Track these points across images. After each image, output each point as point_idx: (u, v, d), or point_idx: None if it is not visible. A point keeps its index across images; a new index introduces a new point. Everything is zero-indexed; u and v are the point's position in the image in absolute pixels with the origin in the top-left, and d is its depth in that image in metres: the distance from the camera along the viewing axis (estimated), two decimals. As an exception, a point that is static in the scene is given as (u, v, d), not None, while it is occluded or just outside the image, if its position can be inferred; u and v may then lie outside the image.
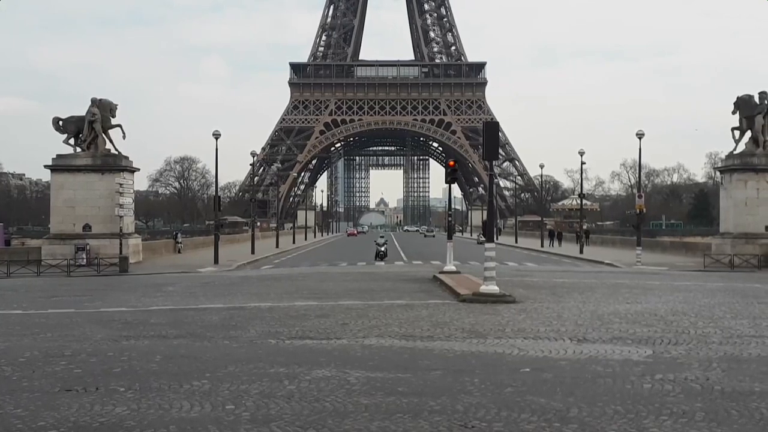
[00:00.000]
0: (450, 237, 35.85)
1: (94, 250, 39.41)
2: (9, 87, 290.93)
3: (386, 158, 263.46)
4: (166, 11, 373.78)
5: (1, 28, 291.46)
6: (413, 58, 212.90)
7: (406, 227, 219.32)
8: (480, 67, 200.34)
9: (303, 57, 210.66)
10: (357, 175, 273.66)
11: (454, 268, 31.20)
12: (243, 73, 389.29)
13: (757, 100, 41.86)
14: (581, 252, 52.89)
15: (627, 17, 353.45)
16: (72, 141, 42.43)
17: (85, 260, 38.48)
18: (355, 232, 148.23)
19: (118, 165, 42.21)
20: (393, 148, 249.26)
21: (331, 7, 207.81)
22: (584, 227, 61.26)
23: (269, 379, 10.19)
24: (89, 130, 41.98)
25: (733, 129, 42.55)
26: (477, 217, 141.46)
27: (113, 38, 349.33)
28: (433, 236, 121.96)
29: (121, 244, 39.08)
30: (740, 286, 25.26)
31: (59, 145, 42.50)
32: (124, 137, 43.06)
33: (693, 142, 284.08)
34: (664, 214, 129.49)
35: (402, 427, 7.84)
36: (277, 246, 66.87)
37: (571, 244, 63.32)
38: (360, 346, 13.06)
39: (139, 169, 44.86)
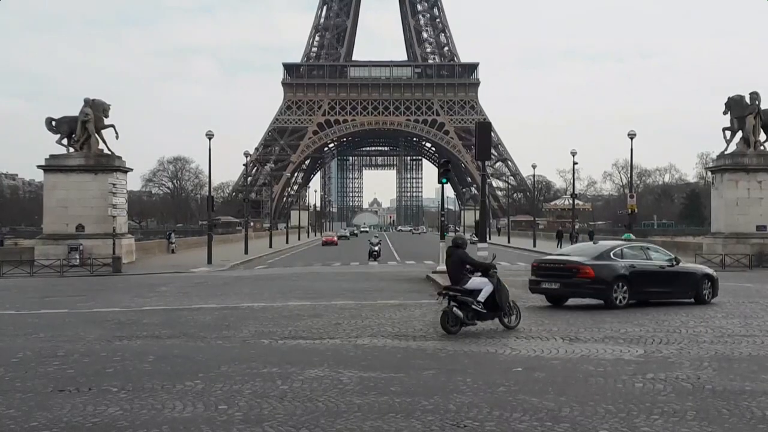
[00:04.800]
0: (443, 237, 35.89)
1: (87, 250, 39.35)
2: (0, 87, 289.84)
3: (379, 158, 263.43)
4: (156, 12, 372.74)
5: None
6: (406, 58, 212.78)
7: (399, 227, 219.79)
8: (473, 67, 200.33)
9: (295, 58, 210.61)
10: (350, 176, 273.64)
11: (446, 268, 31.20)
12: (236, 73, 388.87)
13: (748, 100, 41.96)
14: (574, 252, 52.96)
15: (618, 18, 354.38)
16: (65, 141, 42.35)
17: (78, 260, 38.43)
18: (335, 238, 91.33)
19: (111, 165, 42.16)
20: (386, 149, 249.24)
21: (324, 7, 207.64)
22: (577, 227, 61.35)
23: (262, 379, 10.21)
24: (82, 130, 41.91)
25: (724, 129, 42.68)
26: (470, 216, 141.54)
27: (104, 38, 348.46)
28: (419, 234, 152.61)
29: (114, 244, 39.01)
30: (732, 285, 25.33)
31: (52, 145, 42.46)
32: (117, 137, 43.06)
33: (684, 143, 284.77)
34: (655, 214, 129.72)
35: (394, 426, 7.86)
36: (270, 246, 66.84)
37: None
38: (353, 346, 13.10)
39: (132, 169, 44.84)
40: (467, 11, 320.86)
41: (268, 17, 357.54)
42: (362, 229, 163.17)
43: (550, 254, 21.53)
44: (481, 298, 14.76)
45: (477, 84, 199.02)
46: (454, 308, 14.46)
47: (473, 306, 14.61)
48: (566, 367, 11.14)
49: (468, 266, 15.36)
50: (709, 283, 19.96)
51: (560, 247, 64.33)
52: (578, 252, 20.34)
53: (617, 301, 18.29)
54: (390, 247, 73.30)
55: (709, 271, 20.97)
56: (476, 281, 15.04)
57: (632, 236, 29.73)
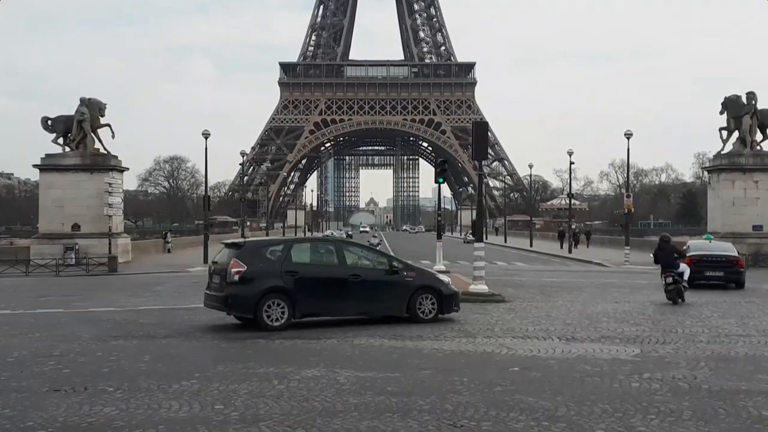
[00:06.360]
0: (439, 236, 35.88)
1: (83, 249, 39.25)
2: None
3: (376, 158, 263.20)
4: (151, 11, 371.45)
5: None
6: (403, 58, 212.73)
7: (404, 227, 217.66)
8: (469, 67, 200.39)
9: (291, 57, 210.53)
10: (347, 175, 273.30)
11: (443, 268, 31.25)
12: (232, 72, 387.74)
13: (744, 100, 42.05)
14: (570, 252, 53.08)
15: (614, 19, 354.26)
16: (61, 140, 42.24)
17: (73, 260, 38.31)
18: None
19: (107, 164, 42.07)
20: (383, 148, 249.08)
21: (321, 6, 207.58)
22: (575, 227, 61.41)
23: (258, 379, 10.20)
24: (78, 129, 41.81)
25: (720, 129, 42.75)
26: (467, 216, 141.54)
27: (99, 38, 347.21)
28: (416, 233, 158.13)
29: (110, 243, 38.95)
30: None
31: (48, 144, 42.36)
32: (113, 137, 42.98)
33: (681, 143, 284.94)
34: (652, 213, 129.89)
35: (391, 426, 7.86)
36: (266, 246, 66.68)
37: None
38: (350, 346, 13.08)
39: (128, 169, 44.71)
40: (464, 11, 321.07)
41: (264, 16, 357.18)
42: (362, 229, 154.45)
43: (706, 251, 26.08)
44: (686, 277, 20.28)
45: (474, 83, 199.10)
46: (680, 285, 19.68)
47: (683, 284, 19.87)
48: (563, 366, 11.14)
49: (676, 254, 20.47)
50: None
51: (562, 247, 64.33)
52: (713, 248, 26.30)
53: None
54: (387, 246, 73.23)
55: None
56: (682, 266, 20.37)
57: (712, 237, 33.04)
